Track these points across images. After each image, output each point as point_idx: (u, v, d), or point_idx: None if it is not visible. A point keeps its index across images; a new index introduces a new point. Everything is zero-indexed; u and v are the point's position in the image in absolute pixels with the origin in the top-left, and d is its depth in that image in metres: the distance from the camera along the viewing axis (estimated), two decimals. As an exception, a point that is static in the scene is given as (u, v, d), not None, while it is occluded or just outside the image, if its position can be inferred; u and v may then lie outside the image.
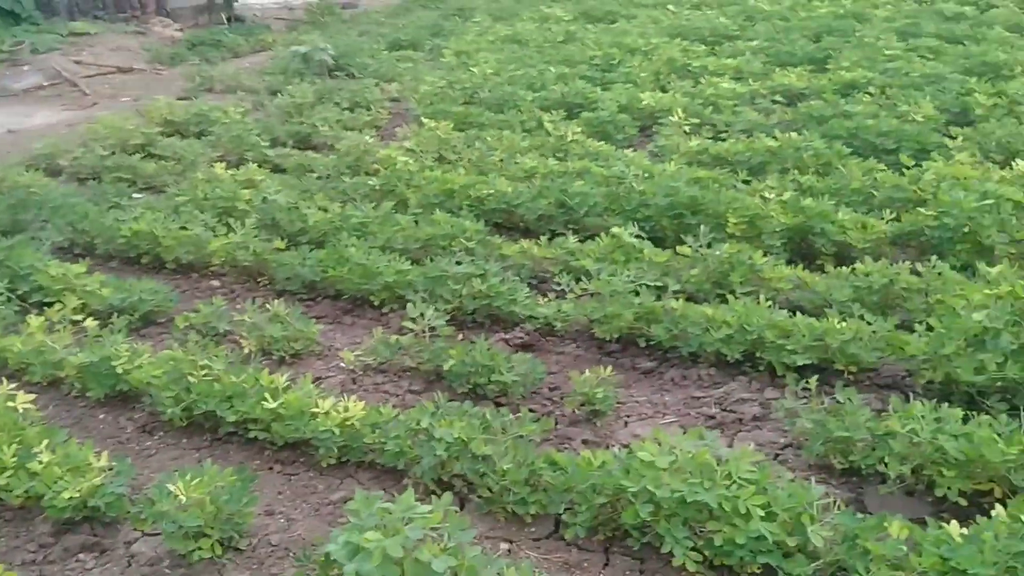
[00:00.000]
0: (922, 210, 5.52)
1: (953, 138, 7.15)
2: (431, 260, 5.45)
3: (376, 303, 5.47)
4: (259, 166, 7.59)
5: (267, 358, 4.83)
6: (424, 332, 4.67)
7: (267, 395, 4.00)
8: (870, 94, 8.51)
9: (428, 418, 3.70)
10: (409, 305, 4.76)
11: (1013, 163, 6.26)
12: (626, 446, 3.87)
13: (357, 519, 2.82)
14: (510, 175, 7.05)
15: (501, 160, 7.43)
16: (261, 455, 4.05)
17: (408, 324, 4.71)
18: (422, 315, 4.68)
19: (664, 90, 9.53)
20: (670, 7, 13.90)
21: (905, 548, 2.89)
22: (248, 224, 6.08)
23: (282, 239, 6.11)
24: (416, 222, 6.15)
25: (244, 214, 6.51)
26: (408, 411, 3.89)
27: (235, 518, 3.43)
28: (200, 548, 3.35)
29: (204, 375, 4.23)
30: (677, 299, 4.78)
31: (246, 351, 4.86)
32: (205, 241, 6.03)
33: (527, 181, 6.84)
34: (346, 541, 2.75)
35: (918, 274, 4.86)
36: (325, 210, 6.44)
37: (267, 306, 5.08)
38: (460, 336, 4.96)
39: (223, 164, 7.50)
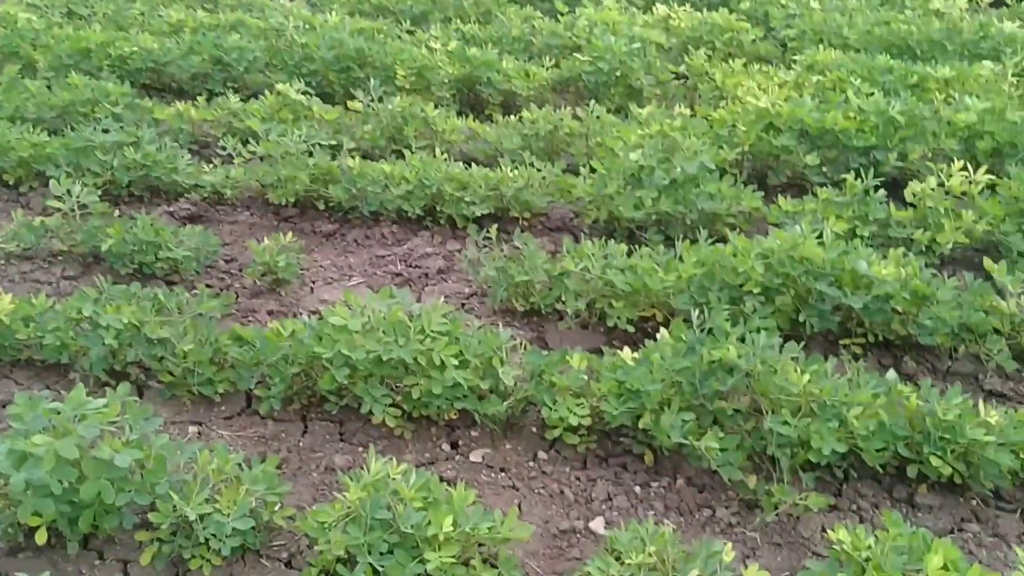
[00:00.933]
0: (578, 56, 5.74)
1: (601, -16, 7.46)
2: (72, 129, 4.84)
3: (11, 182, 4.80)
4: None
5: None
6: (73, 211, 4.18)
7: None
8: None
9: (91, 305, 3.34)
10: (52, 182, 4.21)
11: (654, 8, 6.67)
12: (315, 312, 3.77)
13: (20, 424, 2.51)
14: (154, 30, 6.40)
15: (142, 13, 6.71)
16: None
17: (53, 203, 4.18)
18: (68, 192, 4.17)
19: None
20: None
21: (585, 377, 3.09)
22: None
23: None
24: (49, 87, 5.42)
25: None
26: (66, 300, 3.50)
27: None
28: None
29: None
30: (353, 157, 4.65)
31: None
32: None
33: (175, 36, 6.23)
34: (10, 449, 2.45)
35: (579, 119, 5.08)
36: (-69, 77, 5.48)
37: None
38: (117, 212, 4.50)
39: None
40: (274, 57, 5.86)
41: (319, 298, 3.99)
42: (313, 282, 4.11)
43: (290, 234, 4.14)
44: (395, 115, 5.02)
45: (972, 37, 6.02)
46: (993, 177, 4.17)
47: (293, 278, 4.04)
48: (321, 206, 4.62)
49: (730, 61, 5.64)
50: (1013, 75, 5.42)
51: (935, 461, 2.80)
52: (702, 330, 3.01)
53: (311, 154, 4.58)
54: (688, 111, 5.01)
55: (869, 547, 2.32)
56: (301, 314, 3.80)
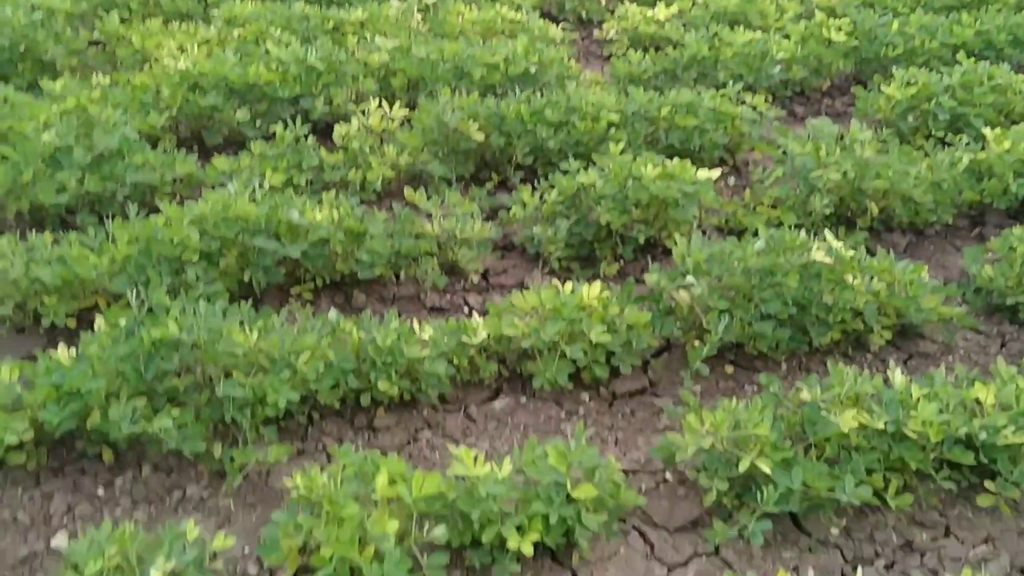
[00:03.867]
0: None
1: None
2: None
3: None
4: None
5: None
6: None
7: None
8: None
9: None
10: None
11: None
12: None
13: None
14: None
15: None
16: None
17: None
18: None
19: None
20: None
21: (20, 387, 2.82)
22: None
23: None
24: None
25: None
26: None
27: None
28: None
29: None
30: None
31: None
32: None
33: None
34: None
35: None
36: None
37: None
38: None
39: None
40: None
41: None
42: None
43: None
44: None
45: (381, -21, 6.40)
46: (408, 111, 4.53)
47: None
48: None
49: (148, 22, 5.39)
50: (418, 11, 5.90)
51: (383, 384, 2.99)
52: (143, 310, 2.89)
53: None
54: (108, 80, 4.72)
55: (323, 484, 2.43)
56: None
